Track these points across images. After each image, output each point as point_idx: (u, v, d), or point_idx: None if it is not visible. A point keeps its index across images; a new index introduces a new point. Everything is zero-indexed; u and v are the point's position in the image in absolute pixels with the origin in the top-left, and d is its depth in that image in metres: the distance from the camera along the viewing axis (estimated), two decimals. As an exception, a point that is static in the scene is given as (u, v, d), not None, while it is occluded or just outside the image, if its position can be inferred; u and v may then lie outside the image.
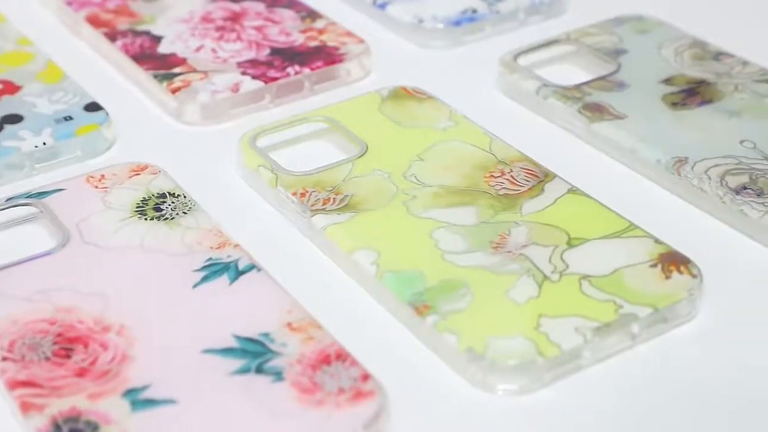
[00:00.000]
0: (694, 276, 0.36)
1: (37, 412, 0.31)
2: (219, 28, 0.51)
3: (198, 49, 0.49)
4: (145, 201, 0.40)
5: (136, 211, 0.39)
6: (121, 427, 0.31)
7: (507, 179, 0.40)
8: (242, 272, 0.36)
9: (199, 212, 0.39)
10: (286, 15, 0.52)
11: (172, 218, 0.39)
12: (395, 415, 0.32)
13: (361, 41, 0.50)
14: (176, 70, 0.48)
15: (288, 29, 0.51)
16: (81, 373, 0.33)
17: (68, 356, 0.33)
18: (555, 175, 0.40)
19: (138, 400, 0.32)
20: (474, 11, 0.52)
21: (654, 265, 0.36)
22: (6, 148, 0.43)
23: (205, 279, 0.36)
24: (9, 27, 0.52)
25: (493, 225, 0.38)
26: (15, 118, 0.45)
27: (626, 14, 0.51)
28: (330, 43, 0.50)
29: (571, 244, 0.37)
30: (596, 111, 0.44)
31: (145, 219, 0.39)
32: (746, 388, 0.33)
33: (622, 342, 0.34)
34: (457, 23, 0.51)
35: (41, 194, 0.40)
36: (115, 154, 0.44)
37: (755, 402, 0.33)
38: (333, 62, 0.48)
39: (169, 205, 0.39)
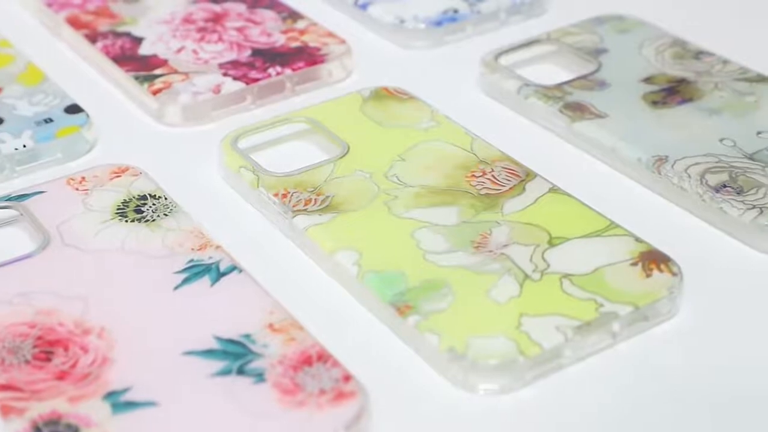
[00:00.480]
0: (674, 274, 0.36)
1: (17, 416, 0.31)
2: (200, 29, 0.51)
3: (179, 51, 0.49)
4: (125, 203, 0.40)
5: (117, 213, 0.39)
6: (102, 429, 0.31)
7: (488, 179, 0.41)
8: (224, 274, 0.36)
9: (180, 214, 0.39)
10: (268, 16, 0.52)
11: (153, 220, 0.39)
12: (377, 416, 0.32)
13: (343, 42, 0.50)
14: (157, 71, 0.48)
15: (269, 30, 0.51)
16: (61, 376, 0.32)
17: (48, 359, 0.33)
18: (536, 175, 0.41)
19: (119, 402, 0.32)
20: (455, 11, 0.52)
21: (634, 264, 0.36)
22: (-14, 151, 0.43)
23: (186, 281, 0.36)
24: (-11, 29, 0.52)
25: (475, 225, 0.38)
26: (-5, 121, 0.45)
27: (607, 14, 0.51)
28: (311, 44, 0.50)
29: (552, 243, 0.37)
30: (577, 110, 0.44)
31: (126, 221, 0.39)
32: (726, 385, 0.33)
33: (602, 340, 0.34)
34: (439, 23, 0.52)
35: (21, 197, 0.40)
36: (96, 156, 0.44)
37: (735, 399, 0.33)
38: (314, 63, 0.48)
39: (150, 206, 0.39)
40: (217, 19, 0.52)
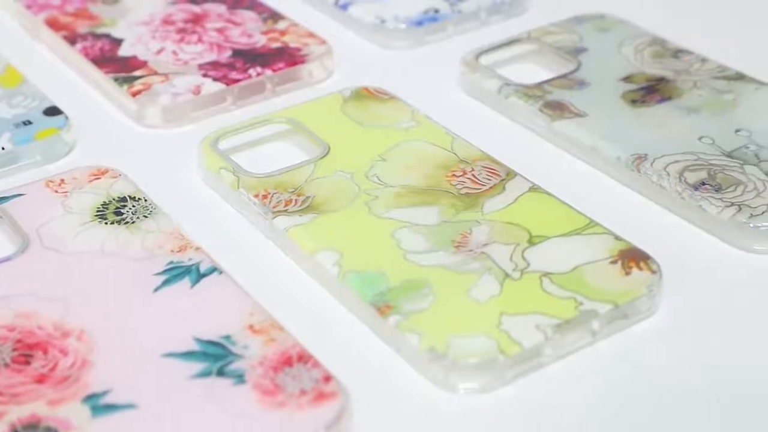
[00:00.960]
0: (653, 272, 0.36)
1: (-5, 420, 0.31)
2: (180, 30, 0.51)
3: (159, 52, 0.49)
4: (105, 205, 0.39)
5: (97, 216, 0.39)
6: (81, 432, 0.31)
7: (469, 178, 0.41)
8: (204, 275, 0.36)
9: (160, 215, 0.39)
10: (248, 16, 0.52)
11: (133, 222, 0.39)
12: (357, 416, 0.32)
13: (323, 42, 0.50)
14: (137, 72, 0.48)
15: (250, 31, 0.51)
16: (40, 379, 0.32)
17: (27, 362, 0.33)
18: (516, 174, 0.41)
19: (98, 405, 0.32)
20: (436, 11, 0.52)
21: (614, 262, 0.36)
22: (-36, 154, 0.43)
23: (166, 282, 0.36)
24: (-33, 31, 0.52)
25: (455, 224, 0.38)
26: (-27, 123, 0.44)
27: (586, 13, 0.51)
28: (292, 44, 0.50)
29: (532, 242, 0.37)
30: (557, 109, 0.45)
31: (106, 223, 0.39)
32: (706, 382, 0.34)
33: (582, 338, 0.35)
34: (419, 23, 0.52)
35: (0, 199, 0.40)
36: (76, 158, 0.44)
37: (715, 396, 0.33)
38: (295, 63, 0.48)
39: (130, 208, 0.39)
40: (197, 20, 0.52)
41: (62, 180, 0.41)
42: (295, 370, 0.32)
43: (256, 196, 0.40)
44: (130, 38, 0.50)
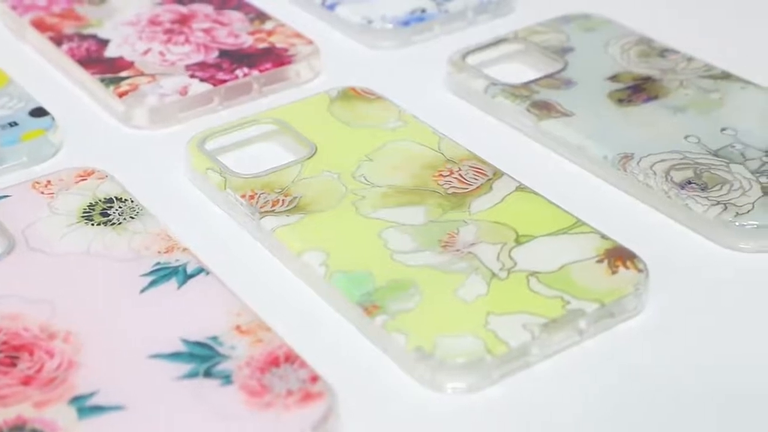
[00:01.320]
0: (640, 270, 0.36)
1: (-19, 422, 0.31)
2: (167, 31, 0.51)
3: (145, 53, 0.49)
4: (91, 206, 0.39)
5: (83, 217, 0.39)
6: (67, 434, 0.31)
7: (456, 178, 0.41)
8: (190, 276, 0.36)
9: (146, 216, 0.39)
10: (235, 17, 0.52)
11: (120, 223, 0.39)
12: (344, 416, 0.32)
13: (310, 42, 0.50)
14: (123, 73, 0.47)
15: (236, 31, 0.51)
16: (27, 381, 0.32)
17: (13, 364, 0.33)
18: (503, 173, 0.41)
19: (85, 407, 0.31)
20: (423, 11, 0.52)
21: (600, 261, 0.36)
22: (-50, 155, 0.43)
23: (152, 284, 0.36)
24: (-47, 32, 0.51)
25: (442, 224, 0.38)
26: (-41, 125, 0.44)
27: (573, 12, 0.51)
28: (279, 45, 0.50)
29: (519, 241, 0.37)
30: (544, 109, 0.45)
31: (92, 224, 0.38)
32: (691, 381, 0.34)
33: (569, 337, 0.35)
34: (406, 23, 0.52)
35: (-14, 201, 0.40)
36: (62, 159, 0.44)
37: (701, 395, 0.33)
38: (282, 64, 0.48)
39: (117, 210, 0.39)
40: (183, 20, 0.52)
41: (48, 181, 0.41)
42: (282, 371, 0.32)
43: (243, 196, 0.40)
44: (117, 39, 0.50)
